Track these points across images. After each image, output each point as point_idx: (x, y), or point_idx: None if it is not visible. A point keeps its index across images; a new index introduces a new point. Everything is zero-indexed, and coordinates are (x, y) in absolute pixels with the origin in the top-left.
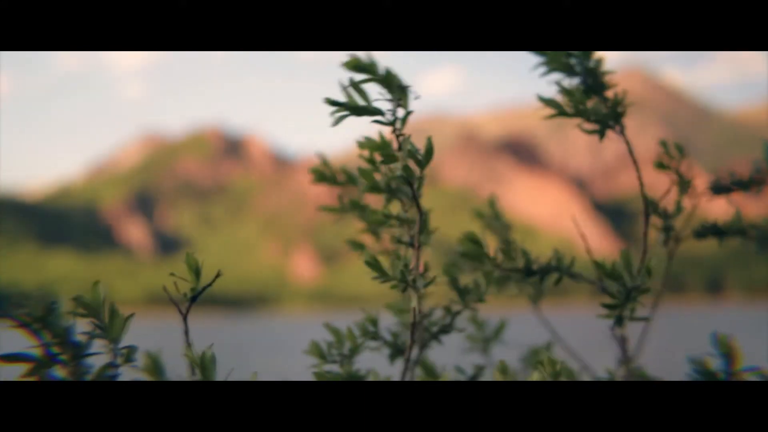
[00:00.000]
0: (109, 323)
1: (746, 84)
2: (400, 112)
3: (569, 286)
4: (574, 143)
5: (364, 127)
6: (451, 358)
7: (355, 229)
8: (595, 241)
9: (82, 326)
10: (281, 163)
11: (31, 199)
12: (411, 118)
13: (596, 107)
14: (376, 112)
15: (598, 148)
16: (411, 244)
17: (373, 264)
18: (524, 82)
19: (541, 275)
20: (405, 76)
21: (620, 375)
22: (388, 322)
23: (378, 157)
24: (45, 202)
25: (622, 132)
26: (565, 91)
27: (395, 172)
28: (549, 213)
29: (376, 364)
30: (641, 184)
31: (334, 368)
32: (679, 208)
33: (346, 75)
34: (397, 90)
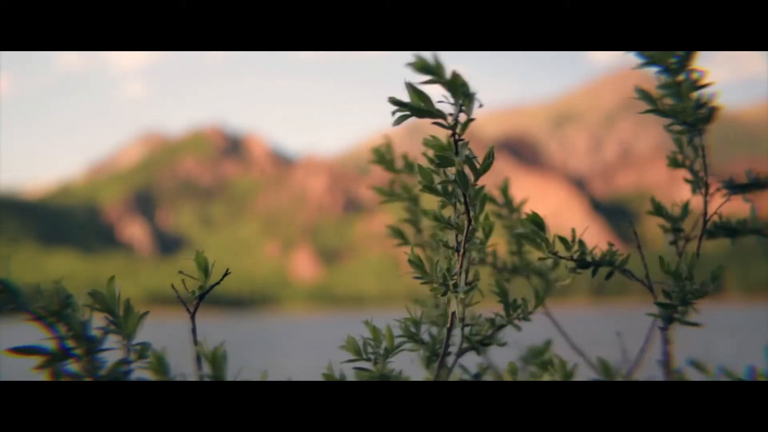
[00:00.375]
0: (124, 319)
1: (746, 83)
2: (462, 117)
3: (570, 286)
4: (574, 143)
5: (365, 127)
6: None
7: (356, 231)
8: (595, 241)
9: (96, 322)
10: (281, 163)
11: (31, 199)
12: (411, 121)
13: (686, 109)
14: (439, 114)
15: (597, 148)
16: (457, 250)
17: (417, 264)
18: (524, 82)
19: (595, 268)
20: (405, 76)
21: (660, 376)
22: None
23: (435, 159)
24: (45, 202)
25: (700, 136)
26: (663, 85)
27: (450, 176)
28: (549, 212)
29: (404, 367)
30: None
31: (367, 366)
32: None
33: (348, 76)
34: (462, 95)
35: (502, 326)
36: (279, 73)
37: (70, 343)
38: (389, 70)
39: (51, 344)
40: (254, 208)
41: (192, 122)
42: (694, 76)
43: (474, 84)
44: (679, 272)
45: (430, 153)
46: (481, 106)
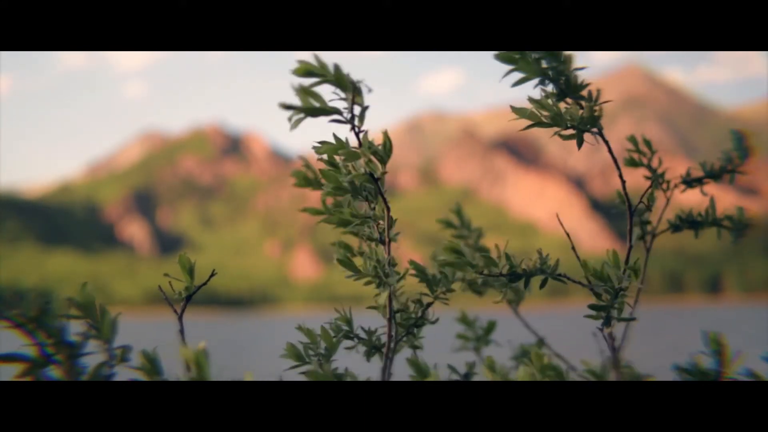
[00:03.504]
0: (100, 323)
1: (745, 82)
2: (357, 110)
3: (570, 285)
4: (572, 142)
5: (365, 126)
6: (444, 358)
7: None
8: (594, 239)
9: (77, 327)
10: (281, 162)
11: (30, 198)
12: (410, 118)
13: (571, 112)
14: (333, 111)
15: (596, 148)
16: (382, 241)
17: (346, 262)
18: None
19: (527, 279)
20: (406, 76)
21: (611, 375)
22: (374, 321)
23: (338, 158)
24: (45, 201)
25: (600, 134)
26: (533, 100)
27: (359, 170)
28: (548, 211)
29: (353, 363)
30: (623, 183)
31: (313, 369)
32: (650, 203)
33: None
34: (351, 87)
35: (429, 304)
36: (280, 73)
37: (51, 350)
38: (389, 70)
39: (31, 351)
40: (254, 207)
41: (192, 122)
42: (567, 74)
43: (473, 83)
44: (604, 273)
45: (337, 158)
46: (370, 91)
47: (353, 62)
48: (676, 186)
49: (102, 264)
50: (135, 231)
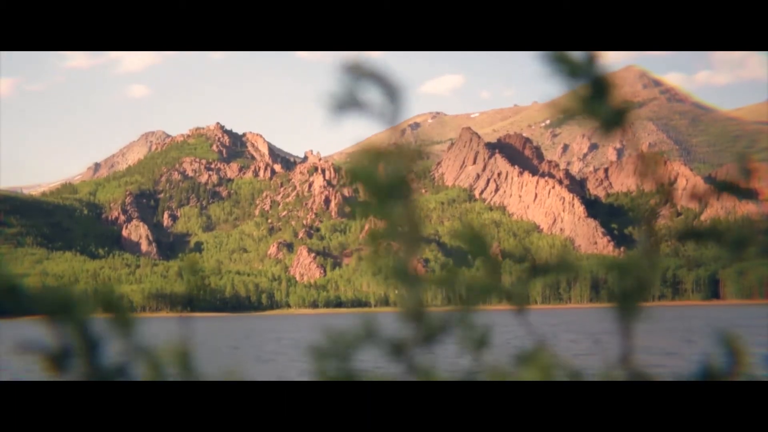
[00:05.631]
0: (121, 321)
1: (744, 86)
2: (395, 113)
3: (570, 287)
4: (572, 144)
5: (365, 127)
6: (446, 360)
7: (356, 231)
8: (593, 241)
9: (96, 322)
10: (283, 163)
11: (33, 198)
12: (410, 120)
13: (604, 109)
14: (371, 111)
15: (596, 149)
16: (407, 241)
17: (375, 261)
18: (524, 83)
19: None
20: (408, 80)
21: (619, 374)
22: (389, 321)
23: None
24: (48, 201)
25: (624, 133)
26: (573, 94)
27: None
28: (547, 213)
29: (377, 365)
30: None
31: (332, 368)
32: (653, 212)
33: (340, 75)
34: (391, 92)
35: (455, 313)
36: (280, 73)
37: (72, 344)
38: (388, 69)
39: (53, 344)
40: (256, 208)
41: (194, 123)
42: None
43: (474, 85)
44: (620, 272)
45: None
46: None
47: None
48: (681, 197)
49: (104, 264)
50: (137, 232)
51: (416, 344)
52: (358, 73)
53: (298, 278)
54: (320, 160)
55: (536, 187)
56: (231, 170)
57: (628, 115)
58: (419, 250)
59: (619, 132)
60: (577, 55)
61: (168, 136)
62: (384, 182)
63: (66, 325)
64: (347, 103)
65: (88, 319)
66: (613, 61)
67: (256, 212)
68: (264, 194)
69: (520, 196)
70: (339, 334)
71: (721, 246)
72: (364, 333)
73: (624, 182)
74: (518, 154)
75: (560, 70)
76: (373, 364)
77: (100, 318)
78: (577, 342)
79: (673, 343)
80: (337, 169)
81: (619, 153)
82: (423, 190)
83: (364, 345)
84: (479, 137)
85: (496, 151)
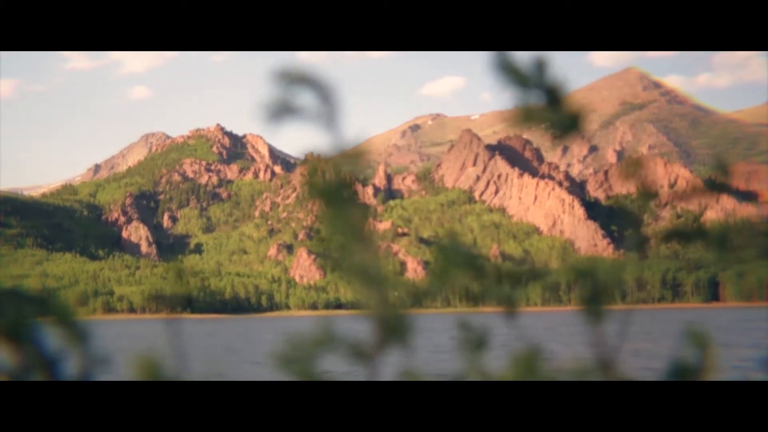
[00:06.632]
0: (74, 328)
1: (744, 86)
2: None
3: (566, 288)
4: (572, 146)
5: (365, 127)
6: (439, 361)
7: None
8: (592, 243)
9: (55, 332)
10: (283, 165)
11: (34, 199)
12: (411, 122)
13: (558, 116)
14: (307, 115)
15: (596, 151)
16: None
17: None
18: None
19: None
20: (408, 84)
21: (601, 376)
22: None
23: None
24: (48, 202)
25: (583, 137)
26: (523, 106)
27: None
28: (547, 215)
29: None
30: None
31: (295, 373)
32: (642, 214)
33: (349, 77)
34: (323, 92)
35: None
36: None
37: (30, 358)
38: (389, 71)
39: (11, 360)
40: (256, 209)
41: (194, 124)
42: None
43: (474, 86)
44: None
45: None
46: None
47: (354, 70)
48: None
49: (104, 265)
50: (137, 233)
51: (379, 347)
52: (289, 79)
53: (297, 280)
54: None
55: (536, 189)
56: (231, 172)
57: (583, 119)
58: (374, 251)
59: (576, 135)
60: (524, 62)
61: (168, 137)
62: (327, 188)
63: (17, 336)
64: (282, 110)
65: (38, 328)
66: (613, 63)
67: (256, 214)
68: (264, 196)
69: (520, 198)
70: (300, 339)
71: (709, 246)
72: (325, 337)
73: (624, 184)
74: (518, 155)
75: (509, 80)
76: (336, 368)
77: (53, 323)
78: (570, 345)
79: (666, 346)
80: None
81: (619, 155)
82: (423, 192)
83: (324, 349)
84: (479, 139)
85: (496, 152)
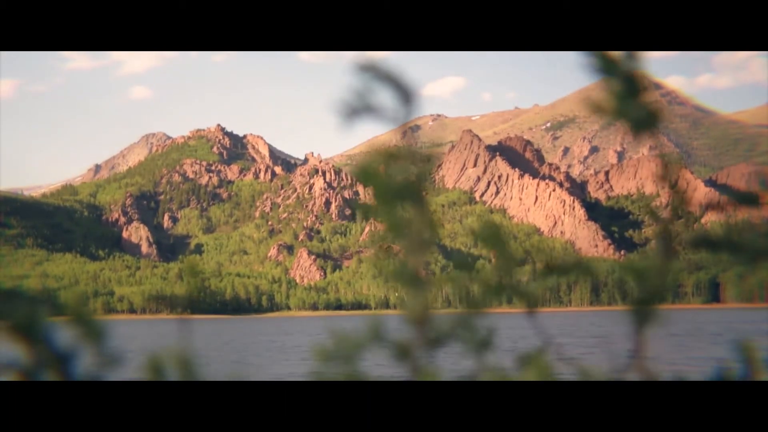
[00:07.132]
0: (89, 327)
1: (745, 87)
2: (407, 115)
3: (573, 289)
4: (573, 147)
5: (366, 127)
6: (447, 362)
7: (356, 233)
8: (593, 244)
9: (68, 331)
10: (283, 165)
11: (34, 200)
12: (411, 122)
13: (636, 109)
14: (383, 114)
15: (596, 152)
16: (415, 244)
17: (378, 263)
18: (525, 86)
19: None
20: (408, 82)
21: (630, 375)
22: (392, 323)
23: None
24: (48, 203)
25: (654, 136)
26: (608, 92)
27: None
28: (548, 216)
29: (382, 367)
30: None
31: (337, 369)
32: (672, 219)
33: (352, 77)
34: (404, 93)
35: (462, 316)
36: (281, 75)
37: (42, 356)
38: (401, 71)
39: (24, 358)
40: (256, 210)
41: (195, 125)
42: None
43: (474, 87)
44: (641, 275)
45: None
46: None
47: (353, 63)
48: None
49: (104, 266)
50: (137, 233)
51: (421, 347)
52: (372, 74)
53: (298, 280)
54: (321, 162)
55: (537, 190)
56: (231, 172)
57: (659, 118)
58: (427, 253)
59: (649, 134)
60: (616, 53)
61: (168, 137)
62: (392, 184)
63: (30, 334)
64: (360, 107)
65: (50, 326)
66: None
67: (257, 214)
68: (264, 196)
69: (520, 199)
70: (344, 336)
71: (735, 255)
72: (370, 335)
73: (624, 185)
74: (519, 156)
75: (596, 66)
76: (378, 367)
77: (68, 323)
78: (578, 345)
79: (668, 348)
80: (337, 171)
81: (620, 156)
82: (424, 193)
83: (369, 347)
84: (480, 140)
85: (497, 153)
